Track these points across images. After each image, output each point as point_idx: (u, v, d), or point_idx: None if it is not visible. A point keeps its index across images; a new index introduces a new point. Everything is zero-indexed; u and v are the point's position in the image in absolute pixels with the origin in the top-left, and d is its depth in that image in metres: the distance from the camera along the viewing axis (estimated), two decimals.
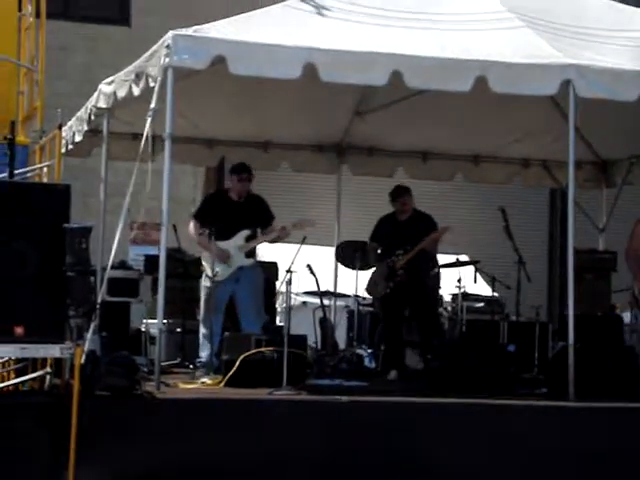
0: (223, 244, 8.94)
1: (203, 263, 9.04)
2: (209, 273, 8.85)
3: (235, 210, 9.05)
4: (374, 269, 9.77)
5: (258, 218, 9.13)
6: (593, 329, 9.26)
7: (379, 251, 9.64)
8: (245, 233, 9.02)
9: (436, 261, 9.87)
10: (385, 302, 9.57)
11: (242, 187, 9.09)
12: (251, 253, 9.11)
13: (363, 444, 7.18)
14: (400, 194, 9.56)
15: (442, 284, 10.48)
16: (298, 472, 7.05)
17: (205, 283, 8.98)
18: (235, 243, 8.99)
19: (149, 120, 7.62)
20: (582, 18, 8.93)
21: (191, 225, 9.15)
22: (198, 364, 8.93)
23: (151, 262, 10.03)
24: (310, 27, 8.11)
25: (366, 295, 10.38)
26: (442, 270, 10.31)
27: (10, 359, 7.90)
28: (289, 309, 8.46)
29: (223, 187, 9.47)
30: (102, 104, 8.92)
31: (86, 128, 9.53)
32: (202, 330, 8.99)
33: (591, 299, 9.43)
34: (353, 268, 10.35)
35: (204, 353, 8.91)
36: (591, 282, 9.63)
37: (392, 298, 9.45)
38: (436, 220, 9.67)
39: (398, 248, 9.36)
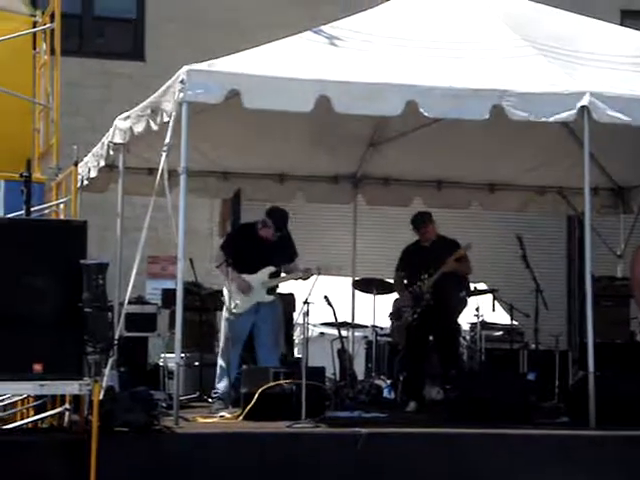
0: (247, 278, 8.95)
1: (224, 295, 9.04)
2: (229, 306, 8.85)
3: (262, 245, 9.02)
4: (397, 297, 9.71)
5: (283, 254, 9.12)
6: (613, 357, 9.18)
7: (405, 281, 9.59)
8: (270, 270, 9.03)
9: (467, 282, 9.79)
10: (409, 331, 9.50)
11: (272, 235, 9.04)
12: (272, 290, 9.11)
13: (383, 476, 7.12)
14: (421, 222, 9.51)
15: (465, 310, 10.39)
16: None
17: (225, 315, 8.98)
18: (259, 278, 8.99)
19: (164, 155, 7.64)
20: (594, 44, 8.96)
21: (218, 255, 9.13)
22: (214, 396, 8.90)
23: (168, 296, 10.02)
24: (323, 59, 8.14)
25: (384, 325, 10.34)
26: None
27: (29, 396, 7.89)
28: (307, 340, 8.43)
29: (240, 219, 9.43)
30: (118, 139, 8.96)
31: (103, 164, 9.57)
32: (220, 362, 8.98)
33: (610, 326, 9.36)
34: (370, 292, 10.29)
35: (221, 385, 8.89)
36: (610, 309, 9.57)
37: (417, 327, 9.38)
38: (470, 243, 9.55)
39: (423, 273, 9.32)
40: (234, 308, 8.80)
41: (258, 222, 9.11)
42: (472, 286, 10.62)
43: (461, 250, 9.36)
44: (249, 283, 8.93)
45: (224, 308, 9.00)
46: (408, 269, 9.55)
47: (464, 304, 9.91)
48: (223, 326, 9.02)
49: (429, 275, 9.29)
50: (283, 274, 9.19)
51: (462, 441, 7.37)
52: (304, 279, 9.01)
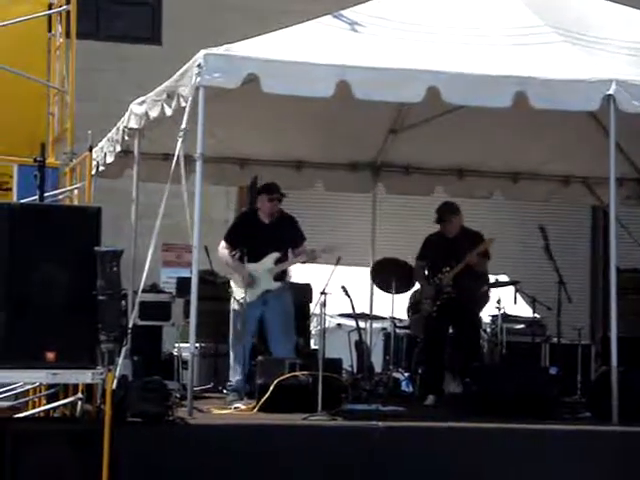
0: (252, 266, 8.81)
1: (232, 285, 8.91)
2: (237, 296, 8.74)
3: (265, 231, 8.92)
4: (418, 288, 9.58)
5: (289, 239, 9.00)
6: (637, 351, 9.02)
7: (426, 271, 9.44)
8: (275, 256, 8.88)
9: (486, 279, 9.66)
10: (429, 323, 9.37)
11: (272, 207, 8.94)
12: (280, 276, 8.96)
13: (401, 470, 7.01)
14: (446, 215, 9.34)
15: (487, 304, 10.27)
16: None
17: (234, 306, 8.87)
18: (264, 266, 8.85)
19: (180, 141, 7.53)
20: (620, 31, 8.82)
21: (221, 246, 9.02)
22: (228, 387, 8.80)
23: (183, 285, 9.92)
24: (343, 44, 8.03)
25: (402, 317, 10.20)
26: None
27: (41, 385, 7.82)
28: (323, 332, 8.32)
29: (254, 206, 9.31)
30: (133, 124, 8.86)
31: (118, 149, 9.48)
32: (231, 354, 8.87)
33: (635, 320, 9.22)
34: (389, 291, 10.16)
35: (234, 377, 8.79)
36: (635, 302, 9.43)
37: (437, 319, 9.26)
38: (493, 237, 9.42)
39: (446, 265, 9.17)
40: (241, 299, 8.68)
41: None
42: (494, 278, 10.49)
43: (484, 244, 9.21)
44: (252, 279, 8.77)
45: (232, 299, 8.88)
46: (430, 259, 9.42)
47: (486, 299, 9.78)
48: (232, 317, 8.90)
49: (451, 268, 9.15)
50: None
51: (482, 435, 7.26)
52: (311, 261, 8.89)
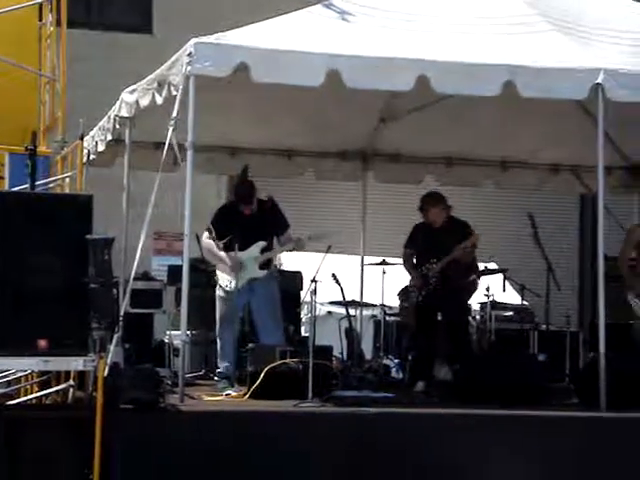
0: (238, 254, 8.82)
1: (217, 274, 8.94)
2: (223, 284, 8.76)
3: (248, 222, 8.89)
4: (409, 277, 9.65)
5: (273, 227, 9.00)
6: (625, 338, 9.09)
7: (414, 260, 9.49)
8: (261, 244, 8.90)
9: (474, 268, 9.69)
10: (417, 311, 9.42)
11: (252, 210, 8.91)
12: (265, 265, 8.99)
13: (391, 456, 7.06)
14: (424, 204, 9.37)
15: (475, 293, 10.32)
16: None
17: (219, 293, 8.90)
18: (250, 254, 8.87)
19: (171, 129, 7.55)
20: (609, 20, 8.83)
21: (205, 236, 9.01)
22: (219, 375, 8.84)
23: (174, 272, 9.97)
24: (333, 33, 8.03)
25: (393, 304, 10.24)
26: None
27: (33, 372, 7.85)
28: (314, 319, 8.35)
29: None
30: (124, 113, 8.86)
31: (109, 138, 9.47)
32: (218, 341, 8.91)
33: (623, 307, 9.27)
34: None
35: (222, 365, 8.82)
36: (622, 290, 9.47)
37: (425, 307, 9.31)
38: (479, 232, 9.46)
39: (432, 256, 9.21)
40: (227, 287, 8.70)
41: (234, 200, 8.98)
42: (483, 266, 10.54)
43: (471, 241, 9.24)
44: (239, 261, 8.80)
45: (217, 287, 8.90)
46: (417, 248, 9.46)
47: (474, 287, 9.83)
48: (218, 305, 8.93)
49: (437, 259, 9.19)
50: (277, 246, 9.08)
51: (470, 422, 7.29)
52: (298, 250, 8.92)
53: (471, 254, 9.38)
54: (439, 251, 9.19)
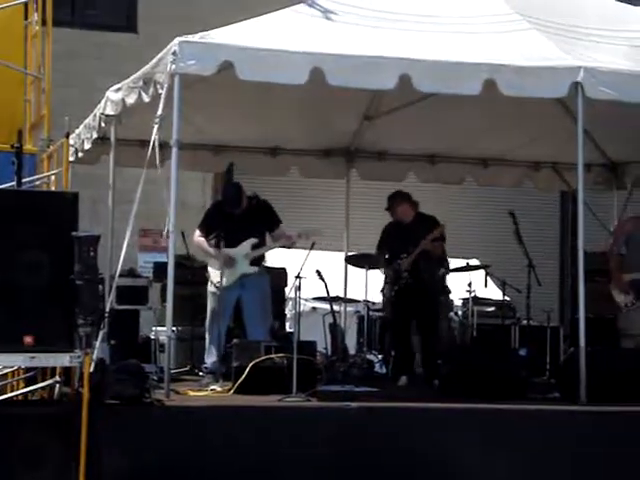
0: (230, 251, 8.91)
1: (208, 270, 9.01)
2: (214, 280, 8.82)
3: (238, 220, 8.98)
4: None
5: (263, 224, 9.08)
6: (605, 332, 9.19)
7: (387, 256, 9.60)
8: (252, 241, 8.98)
9: (443, 262, 9.81)
10: (392, 306, 9.52)
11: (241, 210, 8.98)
12: (257, 261, 9.07)
13: (373, 450, 7.14)
14: (389, 202, 9.55)
15: (452, 288, 10.43)
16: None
17: (210, 289, 8.96)
18: (241, 250, 8.95)
19: (156, 127, 7.60)
20: (588, 19, 8.91)
21: (196, 234, 9.09)
22: (204, 370, 8.90)
23: (160, 269, 9.99)
24: (317, 32, 8.08)
25: (376, 300, 10.32)
26: (453, 275, 10.25)
27: (19, 368, 7.88)
28: (298, 315, 8.42)
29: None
30: (110, 111, 8.90)
31: (95, 135, 9.51)
32: (207, 337, 8.96)
33: (603, 302, 9.37)
34: (362, 267, 10.30)
35: (210, 360, 8.89)
36: (602, 285, 9.58)
37: (398, 302, 9.41)
38: (445, 223, 9.58)
39: (404, 251, 9.34)
40: (218, 282, 8.77)
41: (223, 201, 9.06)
42: (464, 262, 10.64)
43: (437, 230, 9.35)
44: (231, 256, 8.87)
45: (209, 282, 8.97)
46: (388, 247, 9.59)
47: (444, 281, 9.95)
48: (209, 300, 8.99)
49: (408, 254, 9.29)
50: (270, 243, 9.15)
51: (453, 416, 7.36)
52: (288, 247, 8.99)
53: (440, 247, 9.50)
54: (410, 246, 9.33)
